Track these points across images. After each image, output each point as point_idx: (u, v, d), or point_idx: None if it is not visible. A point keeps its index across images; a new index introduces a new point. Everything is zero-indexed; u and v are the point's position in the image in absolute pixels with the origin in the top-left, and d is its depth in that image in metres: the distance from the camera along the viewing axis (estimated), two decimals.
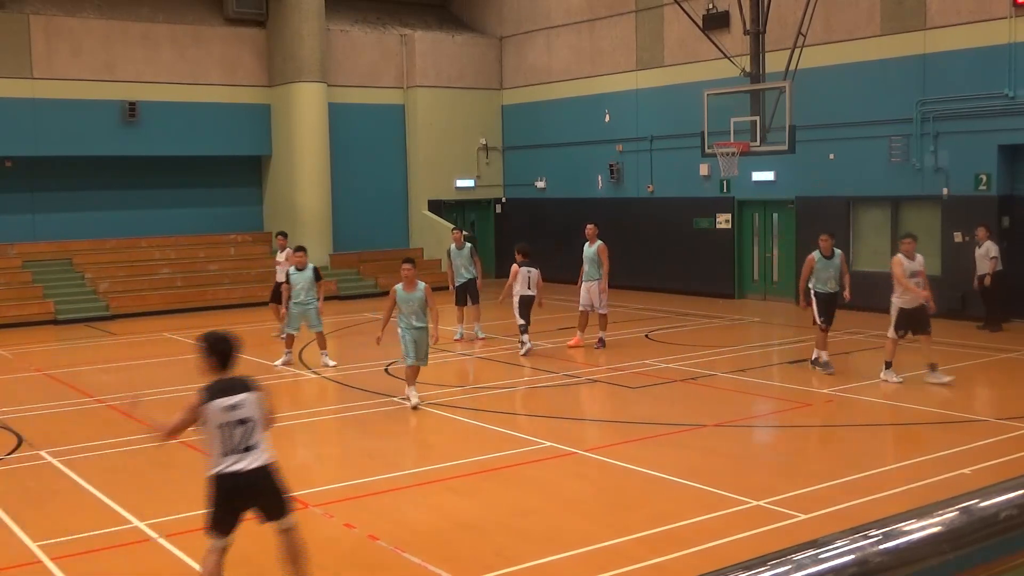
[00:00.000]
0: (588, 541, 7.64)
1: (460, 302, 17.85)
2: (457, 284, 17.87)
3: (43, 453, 10.56)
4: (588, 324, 16.69)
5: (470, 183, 28.33)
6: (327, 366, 15.25)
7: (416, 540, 7.70)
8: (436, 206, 27.85)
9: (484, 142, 28.37)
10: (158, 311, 22.35)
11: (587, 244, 16.70)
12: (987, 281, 17.44)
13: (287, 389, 14.25)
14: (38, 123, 23.03)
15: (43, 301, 21.74)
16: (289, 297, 15.42)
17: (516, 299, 16.19)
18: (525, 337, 16.04)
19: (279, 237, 19.31)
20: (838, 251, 14.36)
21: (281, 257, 18.57)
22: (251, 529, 8.20)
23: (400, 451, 10.79)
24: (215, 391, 6.28)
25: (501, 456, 10.24)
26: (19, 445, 10.96)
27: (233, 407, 6.24)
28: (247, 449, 6.28)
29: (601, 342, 16.53)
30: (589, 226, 16.85)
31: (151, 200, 25.22)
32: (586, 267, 16.59)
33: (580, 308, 16.70)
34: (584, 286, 16.63)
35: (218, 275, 24.13)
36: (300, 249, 15.73)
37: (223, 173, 26.21)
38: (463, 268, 17.79)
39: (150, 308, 22.46)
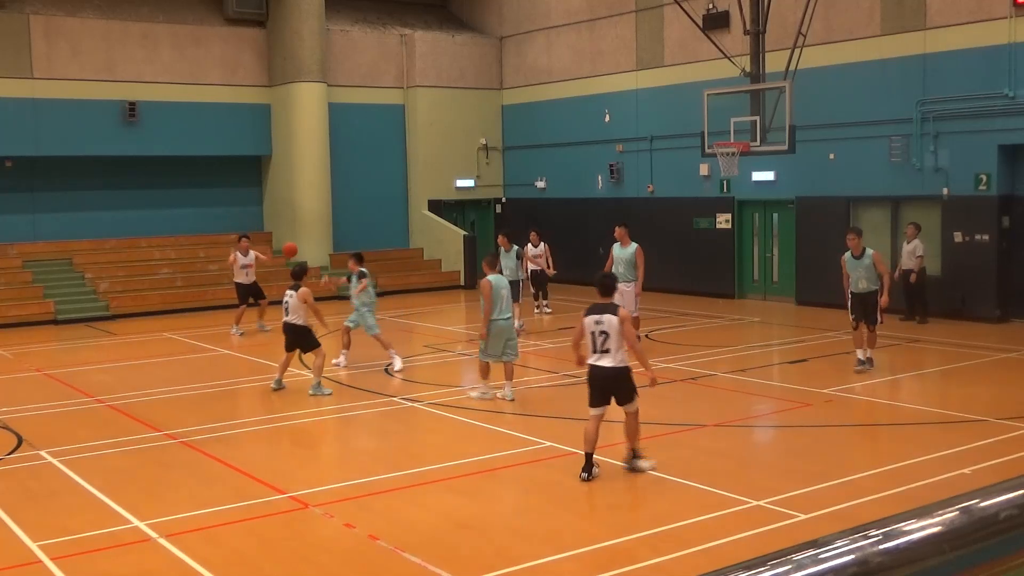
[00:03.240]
0: (588, 541, 7.64)
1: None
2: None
3: (43, 453, 10.56)
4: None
5: (470, 183, 28.33)
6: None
7: (416, 540, 7.70)
8: (436, 206, 27.85)
9: (484, 142, 28.37)
10: (158, 311, 22.35)
11: (618, 245, 16.14)
12: (913, 279, 18.37)
13: (287, 389, 14.22)
14: (38, 123, 23.03)
15: (43, 301, 21.73)
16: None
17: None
18: None
19: (243, 240, 19.59)
20: (870, 251, 13.96)
21: (247, 260, 19.08)
22: (251, 528, 8.21)
23: (400, 451, 10.78)
24: (590, 310, 9.21)
25: (501, 456, 10.24)
26: (19, 445, 10.96)
27: (598, 322, 9.05)
28: (604, 352, 9.05)
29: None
30: (621, 228, 16.26)
31: (151, 200, 25.22)
32: (620, 269, 15.88)
33: None
34: (619, 288, 16.09)
35: (218, 275, 24.10)
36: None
37: (223, 173, 26.20)
38: (508, 271, 18.04)
39: (150, 308, 22.46)
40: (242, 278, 19.01)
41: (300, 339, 13.48)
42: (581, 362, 9.45)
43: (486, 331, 12.36)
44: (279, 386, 13.60)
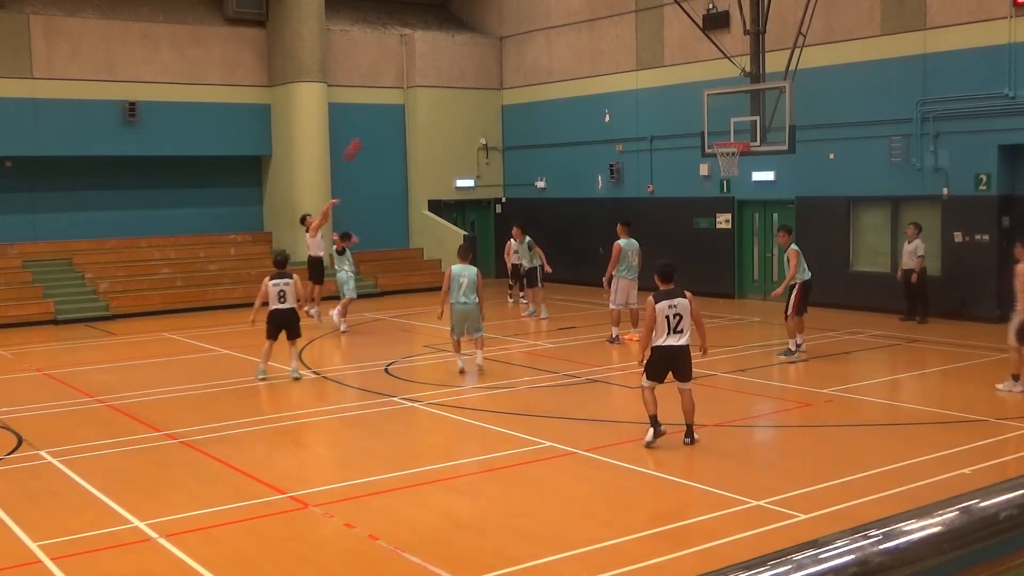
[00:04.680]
0: (588, 541, 7.64)
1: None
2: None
3: (43, 453, 10.56)
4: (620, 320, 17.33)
5: (470, 183, 28.33)
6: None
7: (416, 540, 7.70)
8: (436, 206, 27.84)
9: (484, 142, 28.36)
10: (158, 311, 22.34)
11: None
12: (914, 278, 18.44)
13: (287, 389, 14.24)
14: (38, 123, 23.02)
15: (43, 301, 21.72)
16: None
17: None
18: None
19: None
20: (791, 247, 15.11)
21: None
22: (251, 528, 8.21)
23: (400, 451, 10.78)
24: (659, 297, 10.14)
25: (501, 456, 10.25)
26: (19, 445, 10.97)
27: (672, 306, 10.09)
28: (677, 332, 10.11)
29: (612, 339, 17.08)
30: (620, 225, 17.50)
31: (151, 200, 25.21)
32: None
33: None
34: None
35: (218, 275, 24.13)
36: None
37: (223, 173, 26.20)
38: (524, 259, 20.82)
39: (150, 308, 22.45)
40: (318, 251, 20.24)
41: (294, 324, 14.29)
42: (645, 348, 10.51)
43: (441, 311, 14.41)
44: (265, 376, 14.32)
